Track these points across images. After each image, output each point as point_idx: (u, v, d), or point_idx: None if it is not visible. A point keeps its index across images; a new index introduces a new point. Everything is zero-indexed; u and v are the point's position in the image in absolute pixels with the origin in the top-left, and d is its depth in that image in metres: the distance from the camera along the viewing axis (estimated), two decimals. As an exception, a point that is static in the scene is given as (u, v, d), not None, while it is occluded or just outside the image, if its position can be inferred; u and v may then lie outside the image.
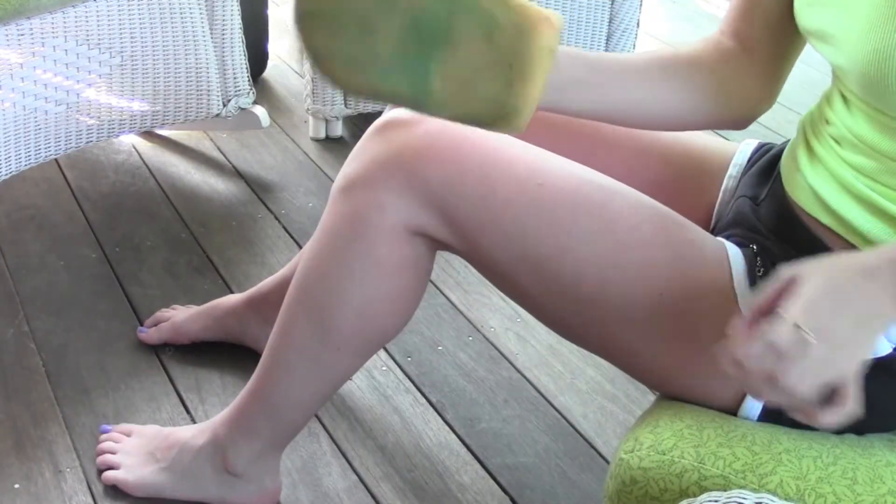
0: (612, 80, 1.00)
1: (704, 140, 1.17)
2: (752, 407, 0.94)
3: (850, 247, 0.93)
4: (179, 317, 1.57)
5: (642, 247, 0.97)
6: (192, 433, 1.28)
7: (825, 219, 0.95)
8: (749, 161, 1.12)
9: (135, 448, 1.32)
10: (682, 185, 1.14)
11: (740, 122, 1.08)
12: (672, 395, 1.00)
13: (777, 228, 1.00)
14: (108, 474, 1.31)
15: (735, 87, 1.05)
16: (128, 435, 1.35)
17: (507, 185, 0.98)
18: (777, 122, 2.59)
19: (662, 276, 0.96)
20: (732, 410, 0.96)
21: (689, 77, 1.04)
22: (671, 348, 0.96)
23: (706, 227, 1.12)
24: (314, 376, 1.15)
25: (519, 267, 1.00)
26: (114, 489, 1.31)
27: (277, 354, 1.16)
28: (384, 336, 1.14)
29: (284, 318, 1.14)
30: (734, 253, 0.98)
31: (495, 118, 0.87)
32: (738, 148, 1.14)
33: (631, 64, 1.03)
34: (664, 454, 0.87)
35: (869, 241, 0.91)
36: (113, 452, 1.33)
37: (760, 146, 1.14)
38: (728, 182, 1.12)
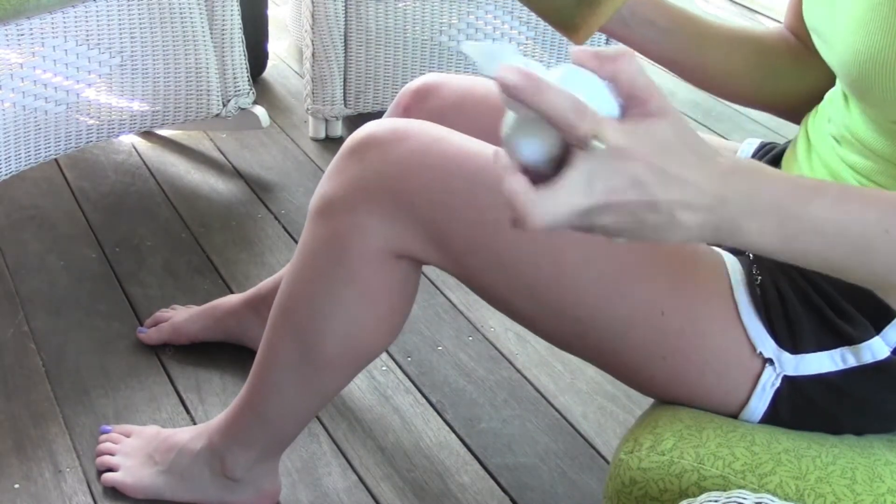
0: (684, 30, 1.03)
1: (708, 140, 1.17)
2: (754, 413, 0.94)
3: None
4: (179, 317, 1.57)
5: (641, 266, 0.95)
6: (189, 436, 1.28)
7: None
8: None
9: (134, 450, 1.32)
10: None
11: (797, 115, 1.09)
12: (673, 404, 1.00)
13: None
14: (107, 476, 1.31)
15: (798, 77, 1.07)
16: (127, 436, 1.35)
17: (498, 207, 0.94)
18: (777, 123, 2.59)
19: (663, 294, 0.94)
20: (733, 417, 0.96)
21: (761, 55, 1.06)
22: (673, 363, 0.96)
23: None
24: (303, 394, 1.14)
25: (513, 289, 0.97)
26: (114, 490, 1.31)
27: (265, 373, 1.15)
28: (371, 354, 1.12)
29: (269, 338, 1.12)
30: (731, 262, 0.97)
31: (559, 26, 0.93)
32: (739, 147, 1.14)
33: (707, 24, 1.05)
34: (664, 455, 0.87)
35: None
36: (112, 454, 1.33)
37: (763, 145, 1.14)
38: None
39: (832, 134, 0.96)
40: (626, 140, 0.60)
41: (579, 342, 0.99)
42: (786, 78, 1.08)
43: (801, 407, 0.93)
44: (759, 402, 0.93)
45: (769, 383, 0.92)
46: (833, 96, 0.99)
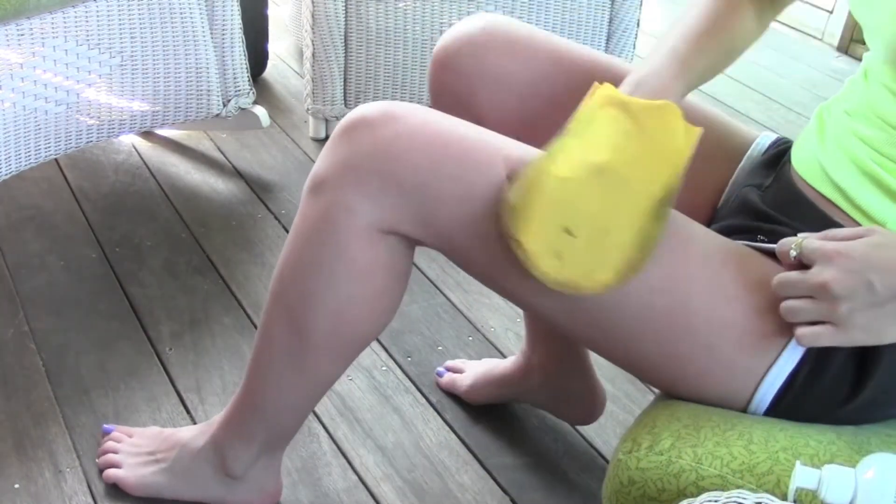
0: (685, 76, 1.05)
1: (726, 123, 1.17)
2: (761, 402, 0.94)
3: (852, 222, 0.95)
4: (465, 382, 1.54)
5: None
6: (191, 434, 1.28)
7: (828, 191, 0.97)
8: (763, 153, 1.14)
9: (136, 448, 1.32)
10: (696, 163, 1.15)
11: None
12: (681, 397, 0.99)
13: (782, 206, 1.02)
14: (109, 472, 1.31)
15: (746, 28, 1.10)
16: (129, 436, 1.36)
17: (484, 184, 0.96)
18: (777, 123, 2.59)
19: (654, 275, 0.95)
20: (742, 407, 0.96)
21: (727, 40, 1.09)
22: (674, 348, 0.96)
23: (711, 209, 1.13)
24: (297, 381, 1.14)
25: (499, 266, 0.98)
26: (114, 489, 1.31)
27: (260, 361, 1.15)
28: (364, 337, 1.11)
29: (264, 324, 1.13)
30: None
31: None
32: (756, 138, 1.15)
33: (694, 58, 1.05)
34: (661, 454, 0.87)
35: (868, 216, 0.94)
36: (115, 452, 1.33)
37: (778, 140, 1.14)
38: (739, 175, 1.13)
39: (846, 110, 0.99)
40: None
41: (569, 320, 0.99)
42: (744, 41, 1.11)
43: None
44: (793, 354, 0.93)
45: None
46: (854, 81, 1.03)
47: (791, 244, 0.90)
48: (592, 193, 0.91)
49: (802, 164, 1.02)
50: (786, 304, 0.89)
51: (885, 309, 0.85)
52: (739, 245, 0.99)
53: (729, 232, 1.03)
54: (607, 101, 0.95)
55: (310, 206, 1.04)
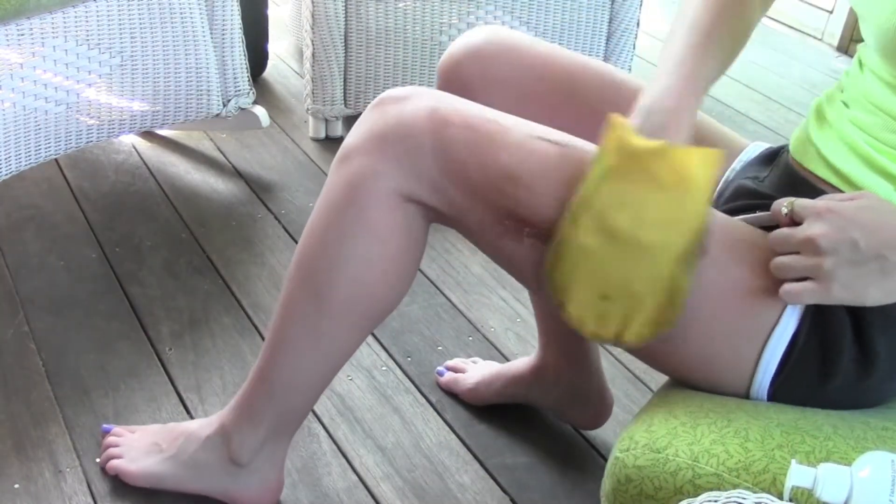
0: (696, 86, 1.03)
1: (721, 129, 1.20)
2: (767, 368, 0.95)
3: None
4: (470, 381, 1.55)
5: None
6: (198, 424, 1.29)
7: (822, 171, 1.01)
8: (756, 156, 1.15)
9: (138, 439, 1.33)
10: None
11: None
12: (683, 376, 1.01)
13: (778, 188, 1.05)
14: (111, 463, 1.31)
15: (752, 7, 1.08)
16: (132, 432, 1.36)
17: (498, 156, 1.00)
18: (777, 122, 2.59)
19: None
20: (749, 374, 0.97)
21: (736, 26, 1.06)
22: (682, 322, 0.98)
23: None
24: (312, 351, 1.15)
25: (507, 240, 1.02)
26: (114, 489, 1.31)
27: (278, 331, 1.17)
28: (378, 304, 1.14)
29: (285, 293, 1.16)
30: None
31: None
32: (747, 146, 1.17)
33: (703, 61, 1.02)
34: (658, 452, 0.87)
35: (858, 189, 0.97)
36: (117, 446, 1.33)
37: (769, 149, 1.16)
38: (730, 174, 1.14)
39: (844, 100, 1.03)
40: None
41: None
42: (752, 22, 1.09)
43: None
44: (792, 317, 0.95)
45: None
46: (849, 71, 1.06)
47: (784, 202, 0.94)
48: (617, 261, 0.94)
49: (799, 150, 1.05)
50: (775, 261, 0.93)
51: (867, 268, 0.88)
52: (735, 220, 1.02)
53: (729, 214, 1.05)
54: (619, 151, 0.95)
55: (337, 173, 1.09)
